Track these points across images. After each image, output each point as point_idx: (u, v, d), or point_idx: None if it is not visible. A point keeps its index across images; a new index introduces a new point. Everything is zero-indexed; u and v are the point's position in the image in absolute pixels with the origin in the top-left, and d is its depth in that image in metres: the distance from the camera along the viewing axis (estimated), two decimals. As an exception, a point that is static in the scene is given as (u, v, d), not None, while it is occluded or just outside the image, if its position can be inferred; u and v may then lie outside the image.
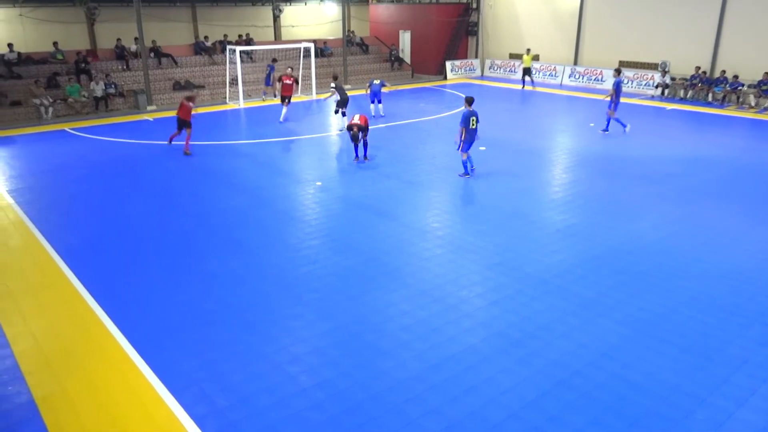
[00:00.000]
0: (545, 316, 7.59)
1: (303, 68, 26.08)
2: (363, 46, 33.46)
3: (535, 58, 31.90)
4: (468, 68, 33.91)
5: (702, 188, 13.00)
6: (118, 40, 25.08)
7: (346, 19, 31.37)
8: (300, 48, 26.38)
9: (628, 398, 6.01)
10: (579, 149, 16.67)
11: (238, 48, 23.70)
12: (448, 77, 32.53)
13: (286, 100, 19.92)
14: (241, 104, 23.61)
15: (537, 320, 7.48)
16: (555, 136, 18.36)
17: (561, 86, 29.47)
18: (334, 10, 37.25)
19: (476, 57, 34.87)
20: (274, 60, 25.30)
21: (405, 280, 8.60)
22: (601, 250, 9.67)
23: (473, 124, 13.01)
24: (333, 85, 18.56)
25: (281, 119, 20.03)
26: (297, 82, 19.49)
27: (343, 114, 18.44)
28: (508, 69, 33.00)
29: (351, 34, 33.54)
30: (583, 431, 5.54)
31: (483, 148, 15.80)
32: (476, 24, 34.43)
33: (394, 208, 11.76)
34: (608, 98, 18.08)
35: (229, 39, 28.11)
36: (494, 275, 8.78)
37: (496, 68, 33.53)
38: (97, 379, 6.41)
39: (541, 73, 30.98)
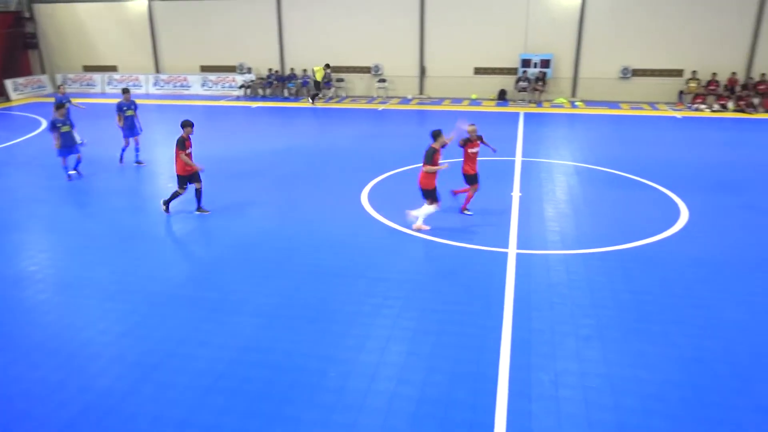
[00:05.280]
0: (180, 330, 7.39)
1: None
2: None
3: (111, 68, 30.35)
4: (36, 85, 30.03)
5: (295, 175, 14.51)
6: None
7: None
8: None
9: (274, 380, 6.35)
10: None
11: None
12: (11, 98, 28.19)
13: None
14: None
15: (173, 336, 7.23)
16: (154, 147, 17.74)
17: (147, 96, 28.70)
18: None
19: (44, 72, 31.12)
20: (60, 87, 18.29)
21: (7, 342, 7.22)
22: (222, 250, 9.91)
23: (64, 129, 13.82)
24: None
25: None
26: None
27: None
28: (85, 83, 30.53)
29: None
30: (239, 428, 5.64)
31: (76, 169, 14.30)
32: (35, 35, 30.58)
33: (-27, 261, 9.69)
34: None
35: None
36: (117, 305, 8.10)
37: (70, 83, 30.55)
38: None
39: (124, 84, 29.60)
